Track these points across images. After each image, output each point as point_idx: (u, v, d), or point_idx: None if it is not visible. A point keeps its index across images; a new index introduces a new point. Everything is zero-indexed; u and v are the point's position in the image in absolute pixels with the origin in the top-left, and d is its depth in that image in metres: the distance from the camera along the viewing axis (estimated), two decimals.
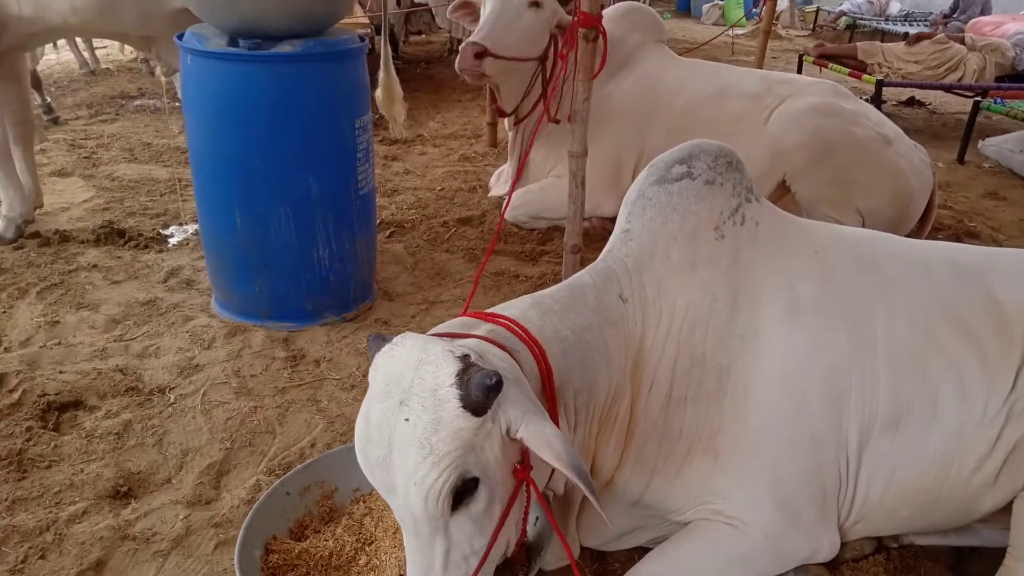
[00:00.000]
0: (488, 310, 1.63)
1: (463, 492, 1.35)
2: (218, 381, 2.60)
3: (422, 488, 1.30)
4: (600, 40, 2.89)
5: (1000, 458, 1.73)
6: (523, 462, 1.43)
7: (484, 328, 1.53)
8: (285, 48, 2.64)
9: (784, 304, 1.76)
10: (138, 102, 6.37)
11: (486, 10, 3.72)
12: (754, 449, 1.70)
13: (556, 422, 1.53)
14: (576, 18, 2.87)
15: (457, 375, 1.31)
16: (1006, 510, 1.76)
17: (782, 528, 1.70)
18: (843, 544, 1.81)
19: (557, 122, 3.74)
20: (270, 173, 2.73)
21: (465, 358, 1.34)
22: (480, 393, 1.28)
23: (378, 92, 3.58)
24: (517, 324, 1.56)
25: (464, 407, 1.30)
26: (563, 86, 3.67)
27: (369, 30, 5.77)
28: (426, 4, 7.92)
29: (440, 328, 1.55)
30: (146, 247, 3.59)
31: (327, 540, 1.82)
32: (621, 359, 1.69)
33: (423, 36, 9.71)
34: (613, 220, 4.06)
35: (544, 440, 1.32)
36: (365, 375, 2.62)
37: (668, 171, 1.84)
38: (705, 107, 3.73)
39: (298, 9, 2.65)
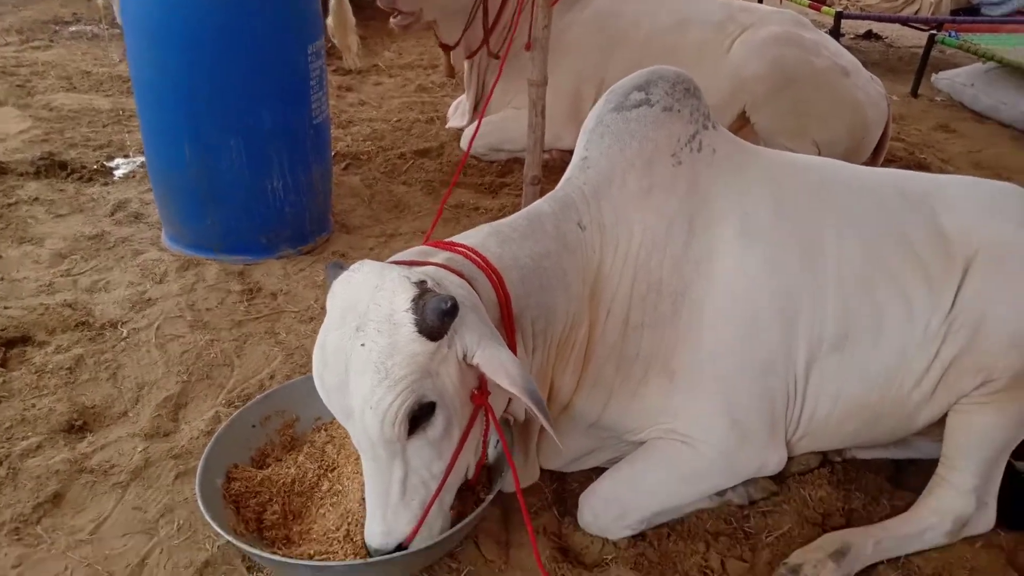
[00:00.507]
0: (447, 240, 1.63)
1: (420, 416, 1.36)
2: (172, 315, 2.55)
3: (378, 411, 1.32)
4: None
5: (937, 374, 1.81)
6: (481, 388, 1.45)
7: (441, 256, 1.53)
8: None
9: (738, 229, 1.79)
10: (73, 28, 6.02)
11: None
12: (708, 369, 1.75)
13: (514, 348, 1.55)
14: None
15: (413, 300, 1.31)
16: (940, 423, 1.86)
17: (733, 445, 1.77)
18: (790, 459, 1.89)
19: (497, 56, 3.65)
20: (218, 102, 2.63)
21: (421, 284, 1.34)
22: (435, 318, 1.28)
23: (329, 20, 3.43)
24: (475, 252, 1.55)
25: (419, 331, 1.30)
26: (513, 17, 3.56)
27: None
28: None
29: (397, 256, 1.55)
30: (90, 180, 3.45)
31: (289, 467, 1.83)
32: (579, 286, 1.71)
33: None
34: (572, 152, 4.04)
35: (500, 365, 1.34)
36: (323, 308, 2.58)
37: (626, 98, 1.83)
38: (666, 37, 3.67)
39: None
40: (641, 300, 1.75)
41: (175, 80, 2.63)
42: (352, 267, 1.43)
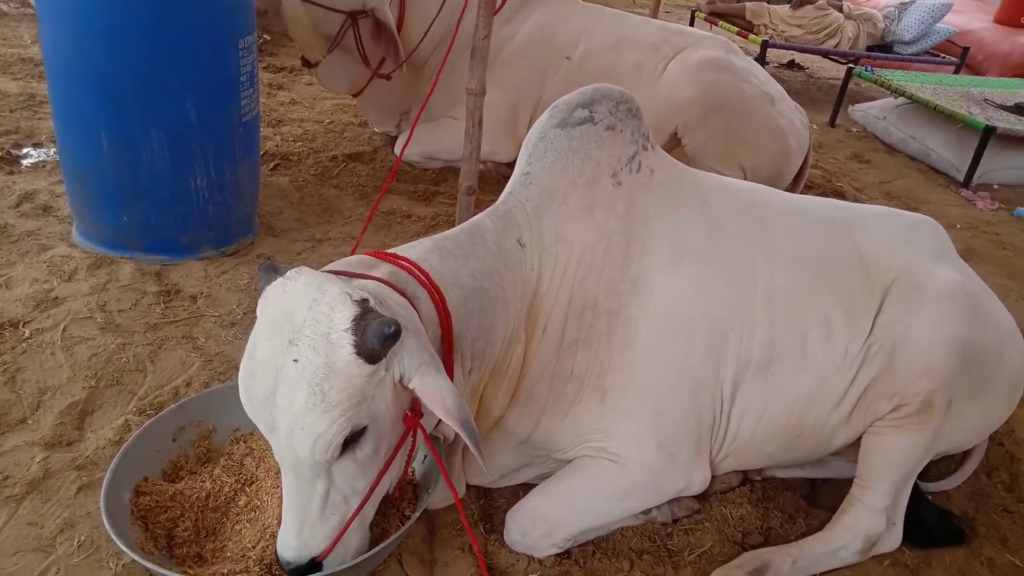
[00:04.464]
0: (389, 251, 1.58)
1: (350, 439, 1.33)
2: (81, 316, 2.40)
3: (310, 434, 1.27)
4: None
5: (854, 398, 1.88)
6: (413, 409, 1.42)
7: (384, 269, 1.49)
8: None
9: (674, 252, 1.82)
10: None
11: None
12: (639, 390, 1.76)
13: (451, 370, 1.53)
14: None
15: (354, 320, 1.27)
16: (855, 444, 1.93)
17: (660, 464, 1.78)
18: (713, 478, 1.92)
19: (388, 78, 3.57)
20: (141, 93, 2.50)
21: (364, 302, 1.30)
22: (377, 341, 1.24)
23: (288, 23, 3.28)
24: (418, 267, 1.52)
25: (358, 354, 1.26)
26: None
27: None
28: None
29: (336, 265, 1.49)
30: None
31: (204, 481, 1.74)
32: (518, 305, 1.70)
33: None
34: (508, 165, 4.05)
35: (438, 394, 1.32)
36: (247, 312, 2.51)
37: (570, 114, 1.83)
38: (604, 57, 3.72)
39: None
40: (577, 317, 1.75)
41: (93, 67, 2.48)
42: (288, 274, 1.36)
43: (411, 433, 1.45)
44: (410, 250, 1.60)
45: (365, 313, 1.28)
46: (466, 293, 1.58)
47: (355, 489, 1.41)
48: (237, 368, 1.37)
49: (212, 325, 2.45)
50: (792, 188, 3.91)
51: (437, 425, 1.61)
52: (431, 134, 3.84)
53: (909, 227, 2.08)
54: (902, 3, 6.94)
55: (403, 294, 1.43)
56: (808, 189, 4.28)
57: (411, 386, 1.33)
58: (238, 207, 2.89)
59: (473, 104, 2.98)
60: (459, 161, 3.09)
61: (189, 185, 2.67)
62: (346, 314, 1.27)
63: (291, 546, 1.41)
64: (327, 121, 4.35)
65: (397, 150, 3.95)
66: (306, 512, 1.39)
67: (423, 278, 1.50)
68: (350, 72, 3.68)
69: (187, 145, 2.61)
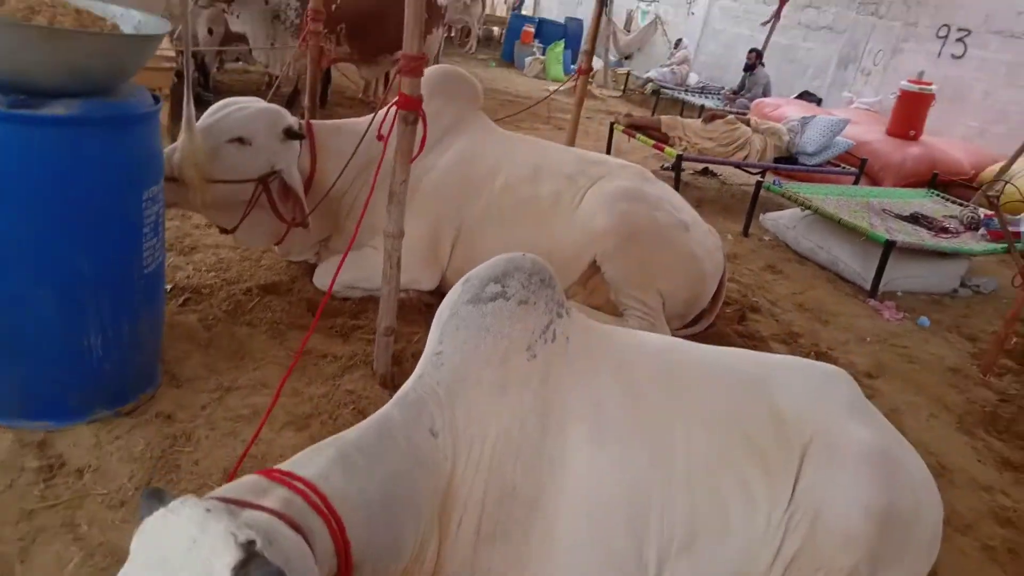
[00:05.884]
0: (287, 462, 1.47)
1: None
2: None
3: None
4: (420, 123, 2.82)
5: (780, 571, 1.82)
6: None
7: (277, 496, 1.36)
8: (58, 109, 2.28)
9: (591, 427, 1.77)
10: None
11: None
12: None
13: None
14: (396, 99, 2.79)
15: (234, 569, 1.14)
16: None
17: None
18: None
19: (305, 226, 3.56)
20: (28, 249, 2.33)
21: (249, 545, 1.17)
22: None
23: (176, 153, 3.12)
24: (316, 491, 1.40)
25: None
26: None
27: (176, 62, 5.25)
28: (244, 35, 7.34)
29: (228, 489, 1.36)
30: None
31: None
32: (431, 504, 1.60)
33: (241, 63, 9.06)
34: (431, 293, 3.99)
35: None
36: (138, 488, 2.31)
37: (482, 290, 1.81)
38: (523, 187, 3.78)
39: (76, 64, 2.29)
40: (495, 507, 1.67)
41: None
42: (171, 505, 1.23)
43: None
44: (310, 464, 1.48)
45: (249, 559, 1.15)
46: (372, 512, 1.46)
47: None
48: (121, 563, 1.20)
49: (98, 506, 2.22)
50: (711, 307, 3.99)
51: None
52: (351, 264, 3.76)
53: (822, 380, 2.09)
54: (803, 118, 7.42)
55: (297, 528, 1.31)
56: (725, 305, 4.37)
57: None
58: (137, 360, 2.71)
59: (391, 246, 2.96)
60: (379, 291, 3.04)
61: (80, 344, 2.48)
62: (226, 560, 1.14)
63: None
64: (243, 247, 4.22)
65: (317, 281, 3.85)
66: None
67: (320, 504, 1.38)
68: (267, 228, 3.64)
69: (79, 302, 2.44)
